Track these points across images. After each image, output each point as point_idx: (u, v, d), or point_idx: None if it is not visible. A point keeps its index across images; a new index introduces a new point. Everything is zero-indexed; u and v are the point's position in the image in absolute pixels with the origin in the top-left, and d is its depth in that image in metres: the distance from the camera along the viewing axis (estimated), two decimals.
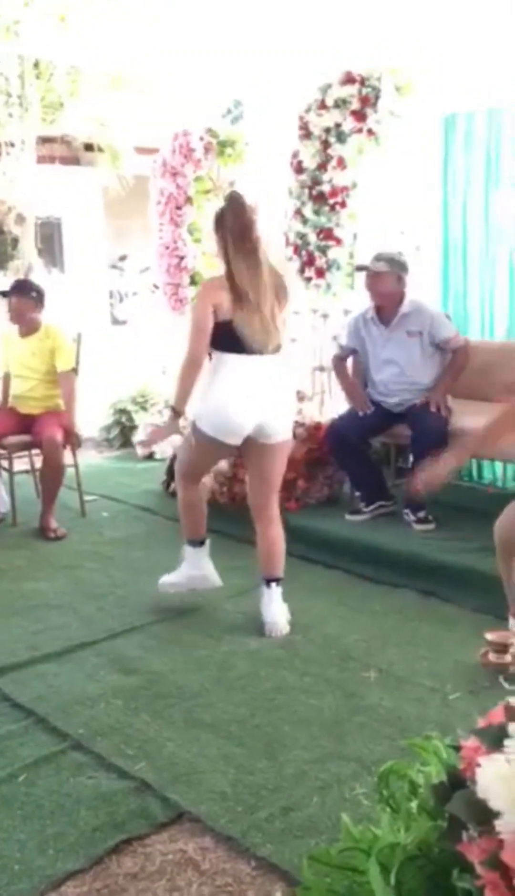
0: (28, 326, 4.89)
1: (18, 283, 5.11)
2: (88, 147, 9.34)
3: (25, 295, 4.89)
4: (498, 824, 1.25)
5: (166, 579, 3.74)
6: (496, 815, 1.26)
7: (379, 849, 1.54)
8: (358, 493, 4.74)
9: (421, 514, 4.42)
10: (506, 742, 1.28)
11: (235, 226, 3.28)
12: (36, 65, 8.16)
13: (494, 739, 1.32)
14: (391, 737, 2.65)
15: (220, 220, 3.33)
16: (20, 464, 5.10)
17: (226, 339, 3.30)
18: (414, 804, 1.65)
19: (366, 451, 4.76)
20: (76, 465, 5.00)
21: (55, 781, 2.47)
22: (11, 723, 2.80)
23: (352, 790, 2.38)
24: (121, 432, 6.97)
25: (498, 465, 5.14)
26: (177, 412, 3.42)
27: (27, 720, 2.81)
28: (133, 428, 6.83)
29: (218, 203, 6.67)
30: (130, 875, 2.10)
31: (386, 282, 4.49)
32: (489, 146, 4.94)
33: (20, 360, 4.90)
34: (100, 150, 8.87)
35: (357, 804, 2.27)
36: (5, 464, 4.94)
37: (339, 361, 4.83)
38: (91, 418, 6.62)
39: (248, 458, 3.54)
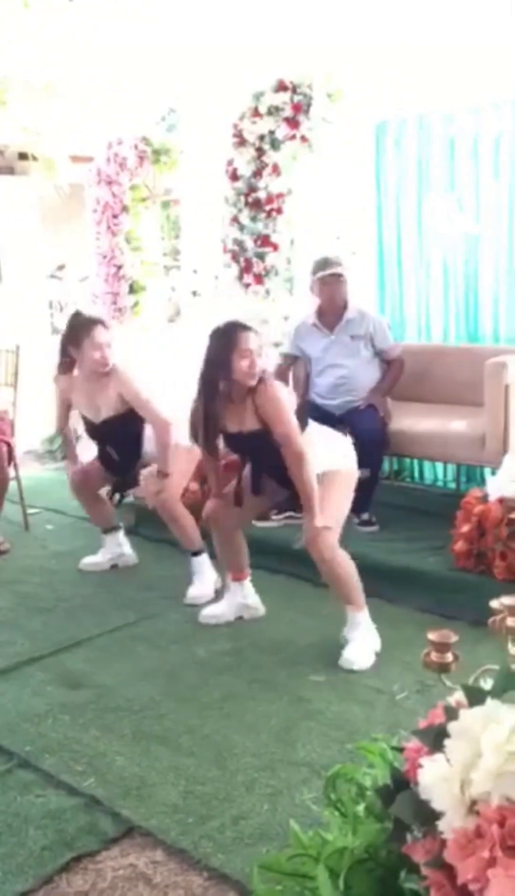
0: None
1: None
2: (22, 156, 9.22)
3: None
4: (441, 824, 1.27)
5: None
6: (438, 815, 1.27)
7: (327, 854, 1.55)
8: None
9: (365, 517, 4.45)
10: (446, 742, 1.30)
11: None
12: None
13: (435, 740, 1.34)
14: (340, 740, 2.66)
15: None
16: None
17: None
18: (361, 807, 1.66)
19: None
20: (18, 478, 4.93)
21: (2, 801, 2.42)
22: None
23: (302, 796, 2.39)
24: (64, 444, 6.88)
25: (440, 466, 5.21)
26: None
27: None
28: (76, 439, 6.75)
29: (154, 211, 6.68)
30: (81, 893, 2.07)
31: (344, 286, 4.55)
32: (420, 151, 5.03)
33: None
34: (35, 158, 8.77)
35: (307, 810, 2.28)
36: None
37: (282, 371, 4.82)
38: (33, 430, 6.54)
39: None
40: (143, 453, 4.16)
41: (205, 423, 3.31)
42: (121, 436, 4.12)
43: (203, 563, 4.01)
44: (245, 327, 3.29)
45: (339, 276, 4.50)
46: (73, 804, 2.40)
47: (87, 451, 5.28)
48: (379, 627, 3.33)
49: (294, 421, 3.25)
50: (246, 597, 3.68)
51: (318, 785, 2.37)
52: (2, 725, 2.83)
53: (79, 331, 3.95)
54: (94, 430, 4.19)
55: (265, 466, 3.47)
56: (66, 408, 4.28)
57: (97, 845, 2.23)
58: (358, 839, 1.53)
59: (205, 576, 3.99)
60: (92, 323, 3.97)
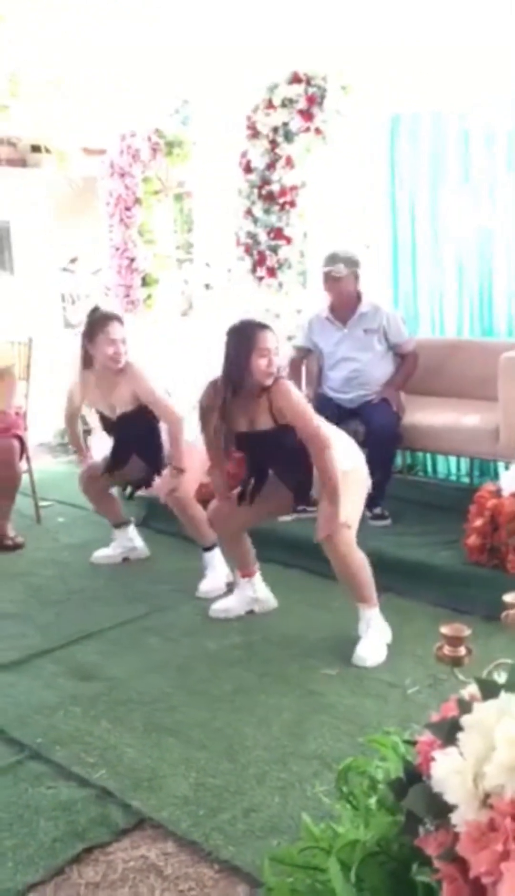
0: None
1: None
2: (35, 148, 9.24)
3: None
4: (454, 817, 1.26)
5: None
6: (451, 808, 1.26)
7: (339, 847, 1.55)
8: None
9: (377, 511, 4.44)
10: (459, 735, 1.29)
11: None
12: None
13: (447, 733, 1.33)
14: (351, 734, 2.66)
15: None
16: None
17: None
18: (373, 800, 1.65)
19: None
20: (30, 471, 4.94)
21: (13, 793, 2.43)
22: None
23: (314, 789, 2.38)
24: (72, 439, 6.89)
25: (453, 460, 5.19)
26: None
27: None
28: (88, 432, 6.76)
29: (167, 204, 6.67)
30: (92, 884, 2.08)
31: (348, 283, 4.52)
32: (434, 145, 4.99)
33: None
34: (48, 151, 8.78)
35: (318, 803, 2.28)
36: None
37: (295, 364, 4.82)
38: (45, 423, 6.55)
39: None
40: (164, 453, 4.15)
41: (222, 422, 3.28)
42: (138, 431, 4.10)
43: (214, 558, 4.01)
44: (263, 326, 3.27)
45: (335, 276, 4.47)
46: (84, 796, 2.40)
47: (99, 444, 5.29)
48: (391, 621, 3.32)
49: (314, 413, 3.26)
50: (255, 591, 3.68)
51: (330, 778, 2.37)
52: (13, 717, 2.84)
53: (94, 326, 3.95)
54: (111, 426, 4.18)
55: (272, 466, 3.45)
56: (75, 403, 4.26)
57: (108, 837, 2.23)
58: (370, 832, 1.52)
59: (216, 570, 3.99)
60: (107, 319, 3.97)
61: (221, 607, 3.68)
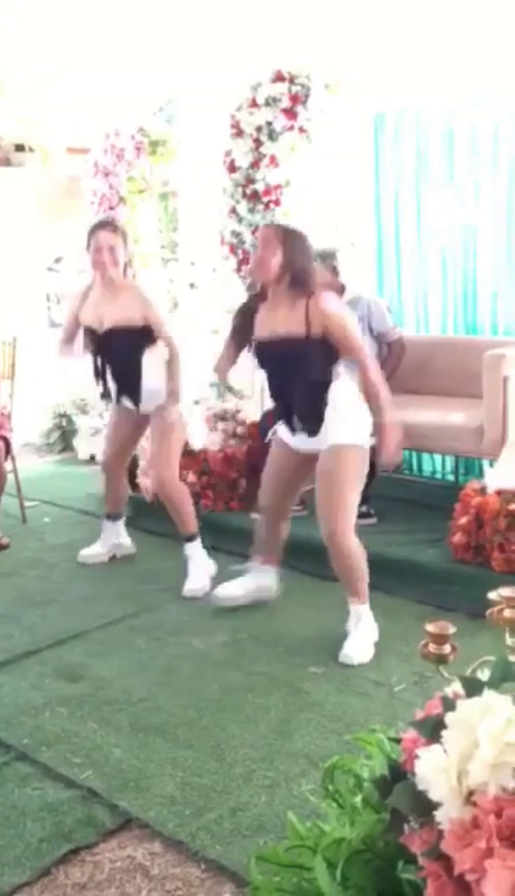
0: None
1: None
2: (19, 147, 9.19)
3: None
4: (438, 815, 1.26)
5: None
6: (435, 805, 1.27)
7: (325, 845, 1.55)
8: None
9: (363, 509, 4.43)
10: (443, 733, 1.29)
11: None
12: None
13: (432, 730, 1.34)
14: (338, 732, 2.66)
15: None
16: None
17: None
18: (358, 798, 1.66)
19: None
20: (15, 471, 4.92)
21: (0, 794, 2.42)
22: None
23: (300, 787, 2.39)
24: (62, 436, 6.89)
25: (438, 458, 5.21)
26: None
27: None
28: (73, 432, 6.75)
29: (152, 203, 6.65)
30: (79, 885, 2.07)
31: (323, 277, 4.50)
32: (418, 142, 5.01)
33: None
34: (32, 150, 8.74)
35: (304, 801, 2.28)
36: None
37: None
38: (30, 423, 6.53)
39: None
40: (143, 389, 4.03)
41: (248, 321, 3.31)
42: (122, 352, 3.99)
43: (196, 549, 4.02)
44: None
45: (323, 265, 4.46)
46: (70, 796, 2.40)
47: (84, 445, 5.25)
48: (377, 620, 3.33)
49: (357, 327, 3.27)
50: (270, 580, 3.66)
51: (316, 776, 2.37)
52: (0, 718, 2.82)
53: (88, 236, 3.91)
54: (96, 340, 4.03)
55: (293, 391, 3.29)
56: (74, 320, 4.12)
57: (95, 837, 2.23)
58: (355, 830, 1.53)
59: (198, 562, 3.99)
60: (96, 227, 3.93)
61: (228, 595, 3.67)
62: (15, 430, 5.03)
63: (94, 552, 4.37)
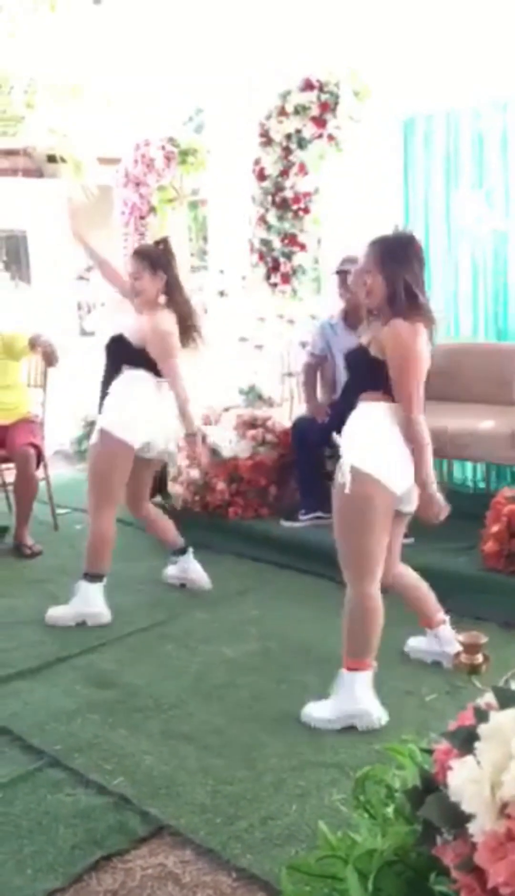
0: None
1: None
2: (51, 158, 9.32)
3: None
4: (471, 827, 1.25)
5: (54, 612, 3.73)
6: (468, 818, 1.26)
7: (356, 856, 1.54)
8: (300, 498, 4.66)
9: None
10: (476, 744, 1.28)
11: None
12: None
13: (464, 741, 1.32)
14: (368, 741, 2.65)
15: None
16: None
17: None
18: (390, 809, 1.65)
19: (322, 458, 4.72)
20: (47, 478, 4.97)
21: (32, 800, 2.44)
22: None
23: (331, 797, 2.38)
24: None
25: (469, 465, 5.17)
26: None
27: (3, 738, 2.78)
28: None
29: (181, 212, 6.70)
30: (110, 892, 2.08)
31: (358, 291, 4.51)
32: (448, 148, 4.99)
33: None
34: (63, 161, 8.85)
35: (335, 811, 2.27)
36: None
37: (310, 369, 4.82)
38: (61, 431, 6.58)
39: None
40: (106, 405, 3.85)
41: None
42: (112, 362, 3.87)
43: (89, 590, 3.74)
44: None
45: (347, 271, 4.45)
46: (102, 803, 2.41)
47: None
48: (408, 630, 3.28)
49: (418, 373, 2.83)
50: (441, 645, 3.16)
51: (347, 786, 2.36)
52: (32, 724, 2.85)
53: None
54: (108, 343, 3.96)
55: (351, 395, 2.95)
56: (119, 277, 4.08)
57: (126, 844, 2.24)
58: (387, 841, 1.52)
59: (80, 599, 3.73)
60: (131, 255, 3.91)
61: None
62: (46, 439, 5.09)
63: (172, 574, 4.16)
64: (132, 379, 3.80)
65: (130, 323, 3.85)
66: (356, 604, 2.78)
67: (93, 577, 3.75)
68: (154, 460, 4.03)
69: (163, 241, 3.93)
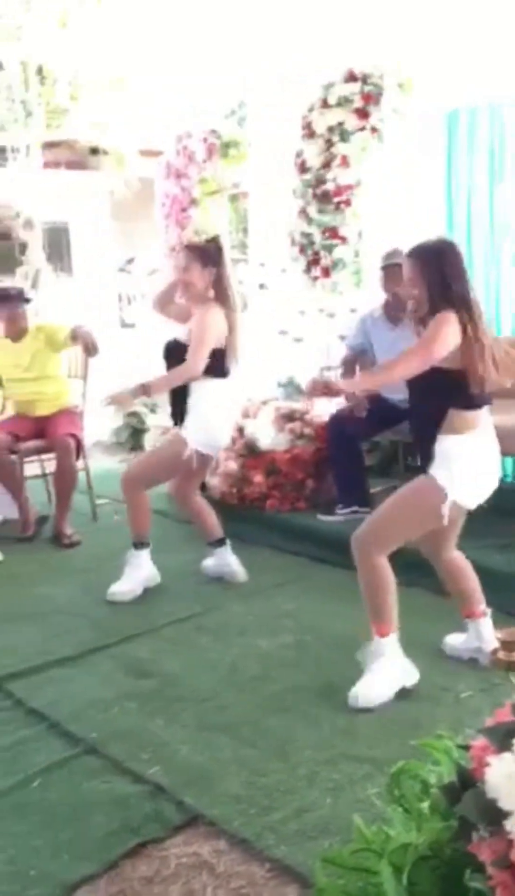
0: (20, 331, 4.90)
1: (16, 293, 5.01)
2: (93, 151, 9.37)
3: (24, 302, 4.92)
4: (508, 824, 1.25)
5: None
6: (505, 815, 1.25)
7: (391, 850, 1.54)
8: (338, 492, 4.63)
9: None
10: (514, 741, 1.27)
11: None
12: (39, 70, 8.19)
13: (502, 738, 1.32)
14: (403, 737, 2.63)
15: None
16: (30, 469, 5.10)
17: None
18: (425, 804, 1.64)
19: (359, 451, 4.70)
20: (87, 469, 5.02)
21: (69, 786, 2.47)
22: (25, 728, 2.81)
23: (365, 790, 2.38)
24: (132, 435, 6.98)
25: (508, 460, 5.11)
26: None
27: (40, 725, 2.82)
28: (143, 431, 6.84)
29: (223, 204, 6.70)
30: (145, 879, 2.10)
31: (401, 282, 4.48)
32: (492, 141, 4.92)
33: (16, 364, 4.89)
34: (106, 153, 8.91)
35: (370, 805, 2.27)
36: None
37: (349, 362, 4.82)
38: (101, 421, 6.63)
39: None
40: (189, 412, 3.89)
41: None
42: (172, 367, 3.89)
43: (141, 559, 3.97)
44: None
45: (399, 265, 4.41)
46: (138, 791, 2.44)
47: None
48: (444, 626, 3.27)
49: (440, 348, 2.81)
50: (481, 638, 3.13)
51: (381, 780, 2.35)
52: (70, 712, 2.88)
53: None
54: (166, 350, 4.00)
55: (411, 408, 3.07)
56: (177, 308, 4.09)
57: (162, 832, 2.26)
58: (422, 836, 1.52)
59: (135, 572, 3.94)
60: (183, 248, 3.95)
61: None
62: (86, 429, 5.13)
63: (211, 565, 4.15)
64: (205, 392, 3.85)
65: (189, 325, 3.88)
66: (372, 572, 2.92)
67: (137, 545, 3.95)
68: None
69: (215, 239, 3.97)
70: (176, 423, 4.01)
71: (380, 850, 1.58)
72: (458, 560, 3.15)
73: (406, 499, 2.94)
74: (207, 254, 3.84)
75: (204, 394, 3.85)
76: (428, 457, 2.92)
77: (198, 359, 3.75)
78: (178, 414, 3.96)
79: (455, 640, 3.23)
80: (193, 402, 3.86)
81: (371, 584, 2.93)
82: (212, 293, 3.84)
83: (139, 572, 3.95)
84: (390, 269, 4.46)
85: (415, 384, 2.91)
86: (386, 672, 2.90)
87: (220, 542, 4.13)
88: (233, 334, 3.85)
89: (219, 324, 3.78)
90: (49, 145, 9.62)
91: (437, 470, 2.87)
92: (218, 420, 3.92)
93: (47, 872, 2.12)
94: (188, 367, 3.76)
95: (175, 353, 3.90)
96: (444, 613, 3.32)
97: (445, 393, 2.84)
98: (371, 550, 2.90)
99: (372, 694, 2.86)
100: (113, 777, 2.52)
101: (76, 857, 2.17)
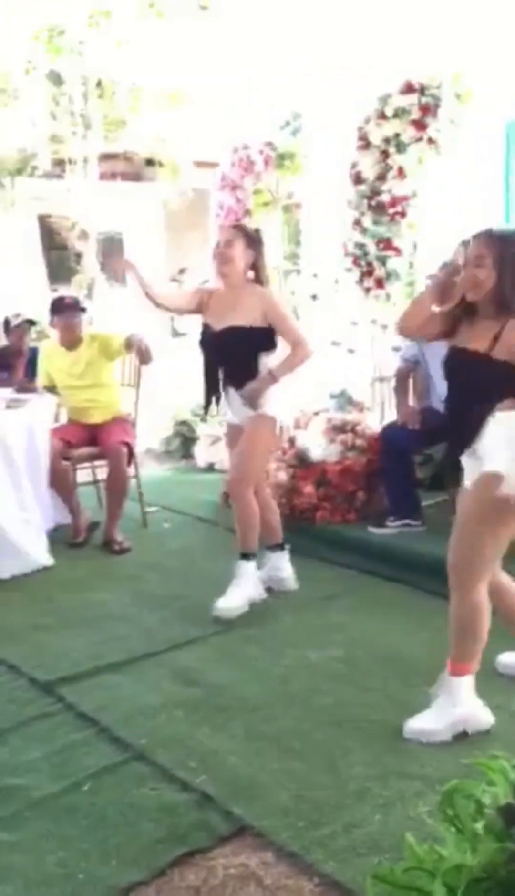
0: (75, 340, 4.96)
1: (72, 302, 5.08)
2: (149, 162, 9.48)
3: (80, 311, 4.98)
4: None
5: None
6: None
7: (444, 870, 1.52)
8: (389, 505, 4.60)
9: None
10: None
11: None
12: (99, 84, 8.33)
13: None
14: (454, 754, 2.60)
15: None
16: (82, 475, 5.16)
17: None
18: (480, 825, 1.62)
19: (411, 463, 4.65)
20: (138, 476, 5.06)
21: (118, 792, 2.48)
22: (75, 732, 2.83)
23: (416, 808, 2.34)
24: (182, 443, 7.02)
25: None
26: None
27: (90, 729, 2.84)
28: (193, 439, 6.88)
29: (277, 215, 6.73)
30: (193, 888, 2.10)
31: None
32: None
33: (70, 373, 4.96)
34: (161, 164, 9.01)
35: (421, 823, 2.24)
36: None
37: (402, 375, 4.79)
38: (152, 430, 6.68)
39: None
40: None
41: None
42: (237, 352, 3.80)
43: (248, 570, 3.85)
44: None
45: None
46: (185, 799, 2.44)
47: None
48: (499, 643, 3.19)
49: None
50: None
51: (432, 799, 2.33)
52: (119, 717, 2.90)
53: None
54: (211, 338, 3.87)
55: (466, 408, 2.79)
56: (180, 296, 4.16)
57: (209, 842, 2.25)
58: (476, 857, 1.49)
59: (243, 585, 3.82)
60: (222, 229, 3.97)
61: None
62: (137, 437, 5.18)
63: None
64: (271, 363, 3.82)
65: (237, 311, 3.76)
66: (467, 607, 2.74)
67: (244, 555, 3.85)
68: None
69: (257, 231, 3.99)
70: (211, 404, 3.96)
71: (433, 870, 1.56)
72: (503, 580, 2.99)
73: (481, 506, 2.70)
74: (251, 236, 3.85)
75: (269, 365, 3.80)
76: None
77: (302, 336, 3.79)
78: (216, 395, 3.91)
79: (509, 659, 3.18)
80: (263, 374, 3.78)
81: (464, 620, 2.75)
82: (251, 275, 3.84)
83: (247, 587, 3.82)
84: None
85: (483, 381, 2.71)
86: (450, 713, 2.74)
87: (279, 547, 4.09)
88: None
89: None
90: (106, 157, 9.77)
91: (494, 460, 2.68)
92: (285, 388, 3.88)
93: (96, 877, 2.13)
94: (302, 347, 3.75)
95: (229, 338, 3.80)
96: (498, 630, 3.25)
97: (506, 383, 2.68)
98: (472, 584, 2.72)
99: (428, 729, 2.74)
100: (161, 784, 2.52)
101: (124, 862, 2.18)
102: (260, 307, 3.75)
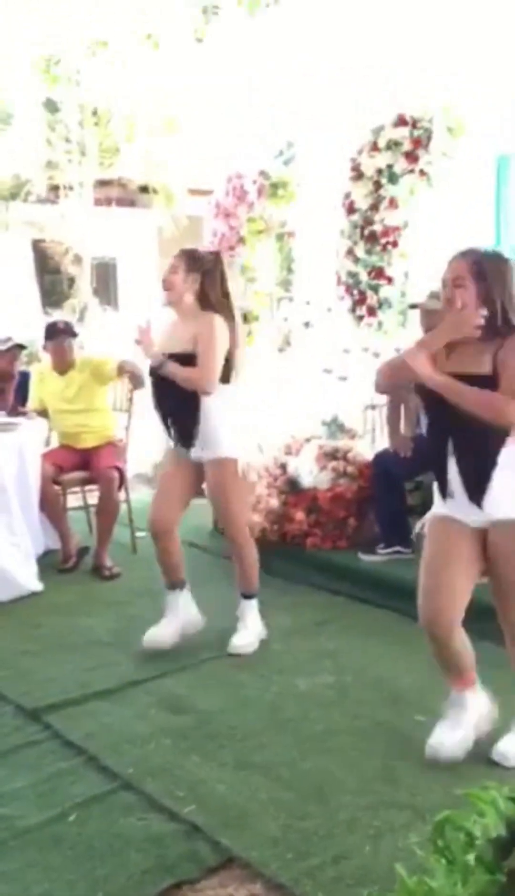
0: (67, 364, 4.97)
1: (64, 327, 5.08)
2: (143, 189, 9.57)
3: (69, 336, 4.99)
4: None
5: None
6: None
7: None
8: (380, 532, 4.60)
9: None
10: None
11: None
12: (94, 112, 8.42)
13: None
14: (445, 784, 2.58)
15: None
16: (72, 500, 5.15)
17: None
18: (471, 856, 1.60)
19: (402, 491, 4.66)
20: (128, 501, 5.04)
21: (105, 822, 2.46)
22: (62, 761, 2.80)
23: (406, 839, 2.33)
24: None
25: None
26: None
27: (78, 758, 2.81)
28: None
29: (269, 243, 6.79)
30: None
31: (441, 319, 4.47)
32: None
33: (61, 397, 4.96)
34: (155, 191, 9.09)
35: (410, 854, 2.22)
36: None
37: (394, 403, 4.81)
38: (143, 454, 6.67)
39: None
40: (201, 431, 3.60)
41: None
42: (176, 384, 3.57)
43: (252, 608, 3.81)
44: None
45: (431, 310, 4.38)
46: (173, 829, 2.41)
47: None
48: (486, 669, 3.19)
49: None
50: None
51: (422, 829, 2.31)
52: (106, 745, 2.87)
53: None
54: (152, 369, 3.70)
55: (457, 436, 2.68)
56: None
57: (197, 873, 2.23)
58: (468, 890, 1.48)
59: (248, 622, 3.78)
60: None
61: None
62: (128, 462, 5.17)
63: (163, 635, 3.71)
64: (221, 400, 3.61)
65: (177, 337, 3.59)
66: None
67: (247, 596, 3.81)
68: None
69: (216, 254, 3.75)
70: (183, 445, 3.68)
71: None
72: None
73: None
74: (195, 259, 3.60)
75: (220, 402, 3.58)
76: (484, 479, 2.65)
77: (210, 371, 3.49)
78: (186, 435, 3.64)
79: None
80: (211, 414, 3.58)
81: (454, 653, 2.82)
82: (190, 299, 3.58)
83: (256, 625, 3.78)
84: (430, 310, 4.46)
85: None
86: (468, 721, 2.81)
87: (180, 585, 3.85)
88: (238, 349, 3.62)
89: (225, 337, 3.53)
90: (101, 183, 9.85)
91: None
92: (235, 424, 3.71)
93: None
94: (203, 379, 3.49)
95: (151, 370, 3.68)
96: (484, 655, 3.25)
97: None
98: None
99: (451, 747, 2.76)
100: (149, 814, 2.50)
101: (111, 893, 2.15)
102: (194, 332, 3.53)
